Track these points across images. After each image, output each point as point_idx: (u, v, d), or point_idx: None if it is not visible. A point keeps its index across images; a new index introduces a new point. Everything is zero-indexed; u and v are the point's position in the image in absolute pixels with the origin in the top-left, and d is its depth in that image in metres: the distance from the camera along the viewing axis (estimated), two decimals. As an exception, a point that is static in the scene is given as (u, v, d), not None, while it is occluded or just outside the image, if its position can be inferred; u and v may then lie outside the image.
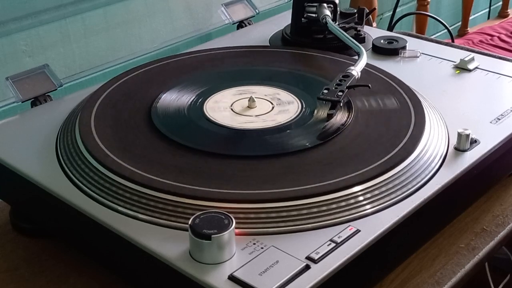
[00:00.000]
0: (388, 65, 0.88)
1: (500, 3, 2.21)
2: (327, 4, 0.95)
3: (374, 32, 0.98)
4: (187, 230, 0.56)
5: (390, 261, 0.65)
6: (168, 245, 0.57)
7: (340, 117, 0.74)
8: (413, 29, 1.91)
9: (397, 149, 0.67)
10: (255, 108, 0.77)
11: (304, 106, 0.77)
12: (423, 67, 0.89)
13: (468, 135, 0.69)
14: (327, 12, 0.94)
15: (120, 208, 0.62)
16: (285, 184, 0.62)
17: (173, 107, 0.77)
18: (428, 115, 0.74)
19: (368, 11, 1.00)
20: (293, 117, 0.74)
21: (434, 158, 0.68)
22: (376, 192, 0.62)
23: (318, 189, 0.61)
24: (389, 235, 0.59)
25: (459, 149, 0.69)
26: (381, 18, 1.88)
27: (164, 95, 0.80)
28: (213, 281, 0.53)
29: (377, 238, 0.58)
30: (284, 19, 1.03)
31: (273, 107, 0.77)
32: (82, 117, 0.75)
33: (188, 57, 0.91)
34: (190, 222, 0.55)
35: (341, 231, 0.58)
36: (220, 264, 0.55)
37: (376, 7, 1.61)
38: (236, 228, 0.56)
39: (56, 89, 0.86)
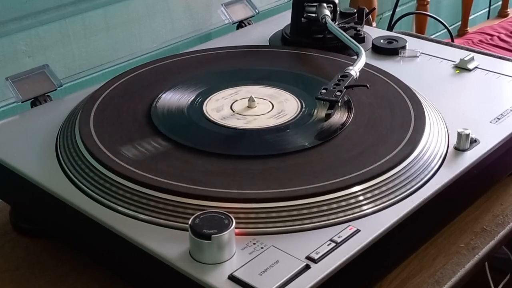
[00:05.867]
0: (388, 65, 0.88)
1: (500, 2, 2.20)
2: (327, 4, 0.95)
3: (373, 32, 0.98)
4: (187, 230, 0.56)
5: (390, 261, 0.65)
6: (168, 245, 0.57)
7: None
8: (412, 29, 1.91)
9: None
10: (255, 108, 0.77)
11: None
12: (423, 67, 0.89)
13: (468, 135, 0.69)
14: (327, 12, 0.94)
15: (120, 208, 0.62)
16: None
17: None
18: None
19: (367, 11, 1.00)
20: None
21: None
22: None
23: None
24: (389, 235, 0.59)
25: (459, 149, 0.69)
26: (380, 18, 1.88)
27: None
28: (213, 281, 0.53)
29: (377, 238, 0.58)
30: (284, 19, 1.03)
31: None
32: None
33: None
34: (190, 222, 0.55)
35: (341, 231, 0.58)
36: (220, 264, 0.55)
37: (375, 7, 1.61)
38: (236, 228, 0.56)
39: (56, 89, 0.86)
